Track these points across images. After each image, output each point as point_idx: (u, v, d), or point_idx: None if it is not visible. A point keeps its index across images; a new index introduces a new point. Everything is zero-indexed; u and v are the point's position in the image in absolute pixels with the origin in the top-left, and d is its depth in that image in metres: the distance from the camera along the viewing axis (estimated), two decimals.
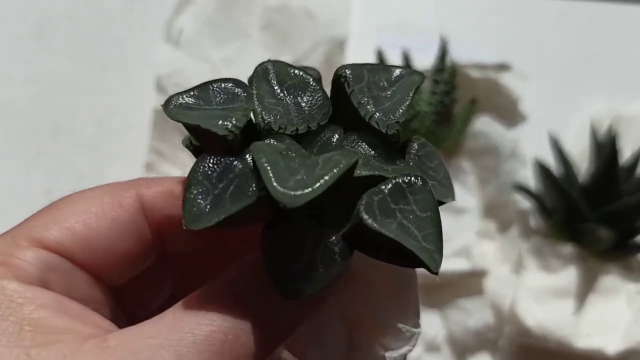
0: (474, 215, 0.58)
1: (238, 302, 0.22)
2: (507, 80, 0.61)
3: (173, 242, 0.27)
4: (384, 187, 0.22)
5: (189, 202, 0.22)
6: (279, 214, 0.22)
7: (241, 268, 0.23)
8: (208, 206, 0.22)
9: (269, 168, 0.21)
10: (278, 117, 0.24)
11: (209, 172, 0.23)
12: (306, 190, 0.20)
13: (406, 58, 0.60)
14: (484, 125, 0.60)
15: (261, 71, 0.25)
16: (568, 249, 0.55)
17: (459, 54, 0.60)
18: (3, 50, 0.68)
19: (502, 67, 0.61)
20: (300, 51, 0.64)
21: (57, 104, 0.65)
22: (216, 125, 0.23)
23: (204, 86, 0.25)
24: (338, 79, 0.25)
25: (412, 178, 0.23)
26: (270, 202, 0.20)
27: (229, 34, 0.65)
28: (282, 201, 0.20)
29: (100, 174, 0.62)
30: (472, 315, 0.55)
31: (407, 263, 0.22)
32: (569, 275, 0.54)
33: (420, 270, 0.23)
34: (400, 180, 0.23)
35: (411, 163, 0.25)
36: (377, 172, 0.23)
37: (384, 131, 0.24)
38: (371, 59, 0.62)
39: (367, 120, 0.24)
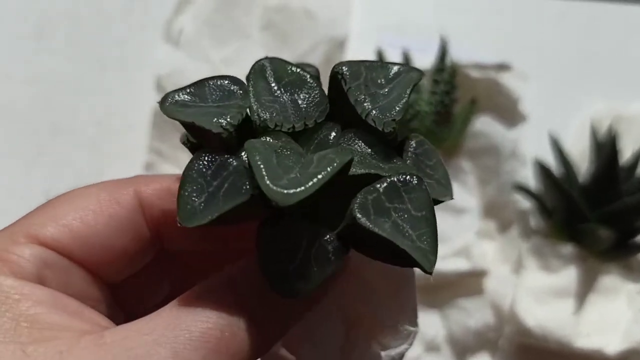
0: (474, 215, 0.58)
1: (235, 299, 0.22)
2: (507, 80, 0.61)
3: (171, 240, 0.27)
4: (379, 185, 0.22)
5: (183, 199, 0.22)
6: (274, 212, 0.22)
7: (238, 266, 0.23)
8: (202, 204, 0.22)
9: (262, 166, 0.21)
10: (274, 114, 0.24)
11: (204, 170, 0.22)
12: (299, 189, 0.20)
13: (406, 58, 0.60)
14: (484, 125, 0.60)
15: (258, 68, 0.25)
16: (568, 249, 0.54)
17: (459, 54, 0.60)
18: (3, 50, 0.68)
19: (502, 67, 0.61)
20: (300, 51, 0.64)
21: (57, 104, 0.65)
22: (210, 122, 0.23)
23: (201, 83, 0.24)
24: (335, 76, 0.25)
25: (408, 177, 0.23)
26: (264, 200, 0.20)
27: (229, 34, 0.65)
28: (274, 199, 0.20)
29: (100, 174, 0.62)
30: (472, 315, 0.55)
31: (401, 262, 0.22)
32: (569, 275, 0.54)
33: (419, 270, 0.23)
34: (395, 179, 0.23)
35: (408, 161, 0.25)
36: (372, 171, 0.23)
37: (380, 129, 0.24)
38: (371, 59, 0.62)
39: (364, 117, 0.24)
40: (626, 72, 0.71)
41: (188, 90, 0.24)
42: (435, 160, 0.26)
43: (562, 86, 0.70)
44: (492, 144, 0.59)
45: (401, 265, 0.23)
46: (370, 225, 0.21)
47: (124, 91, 0.66)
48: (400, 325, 0.27)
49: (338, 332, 0.27)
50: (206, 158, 0.23)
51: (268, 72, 0.25)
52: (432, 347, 0.55)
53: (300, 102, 0.25)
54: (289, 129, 0.24)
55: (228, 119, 0.23)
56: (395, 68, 0.26)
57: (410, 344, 0.27)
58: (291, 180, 0.20)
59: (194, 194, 0.22)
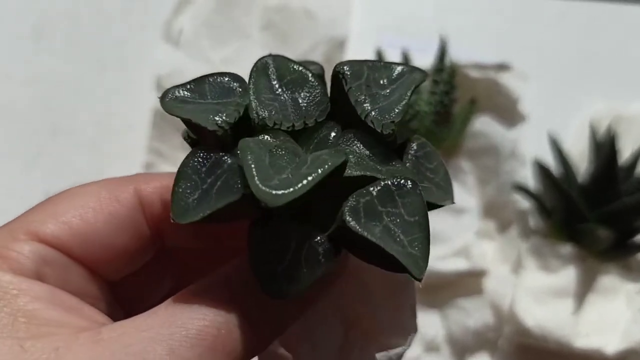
0: (473, 215, 0.58)
1: (231, 297, 0.22)
2: (507, 80, 0.61)
3: (171, 238, 0.27)
4: (372, 188, 0.22)
5: (177, 195, 0.22)
6: (265, 212, 0.22)
7: (235, 264, 0.23)
8: (195, 200, 0.22)
9: (252, 165, 0.20)
10: (273, 112, 0.24)
11: (199, 167, 0.22)
12: (287, 190, 0.20)
13: (406, 58, 0.60)
14: (484, 125, 0.60)
15: (261, 66, 0.25)
16: (567, 249, 0.54)
17: (459, 54, 0.60)
18: (3, 50, 0.68)
19: (502, 67, 0.61)
20: (300, 51, 0.64)
21: (57, 104, 0.65)
22: (206, 119, 0.23)
23: (201, 80, 0.24)
24: (336, 76, 0.25)
25: (402, 180, 0.22)
26: (255, 200, 0.20)
27: (228, 34, 0.65)
28: (263, 200, 0.19)
29: (100, 174, 0.61)
30: (472, 315, 0.55)
31: (391, 267, 0.22)
32: (568, 275, 0.54)
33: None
34: (389, 183, 0.22)
35: (408, 164, 0.24)
36: (369, 173, 0.23)
37: (379, 130, 0.23)
38: (372, 59, 0.62)
39: (363, 118, 0.24)
40: (626, 72, 0.71)
41: (188, 87, 0.24)
42: (436, 163, 0.25)
43: (562, 86, 0.70)
44: (492, 144, 0.59)
45: (392, 271, 0.22)
46: (360, 229, 0.21)
47: (124, 91, 0.66)
48: (399, 327, 0.27)
49: (337, 332, 0.27)
50: (201, 155, 0.23)
51: (270, 70, 0.25)
52: (431, 347, 0.55)
53: (301, 100, 0.25)
54: (288, 127, 0.24)
55: (224, 117, 0.23)
56: (399, 68, 0.25)
57: (409, 345, 0.27)
58: (282, 180, 0.20)
59: (188, 191, 0.22)
